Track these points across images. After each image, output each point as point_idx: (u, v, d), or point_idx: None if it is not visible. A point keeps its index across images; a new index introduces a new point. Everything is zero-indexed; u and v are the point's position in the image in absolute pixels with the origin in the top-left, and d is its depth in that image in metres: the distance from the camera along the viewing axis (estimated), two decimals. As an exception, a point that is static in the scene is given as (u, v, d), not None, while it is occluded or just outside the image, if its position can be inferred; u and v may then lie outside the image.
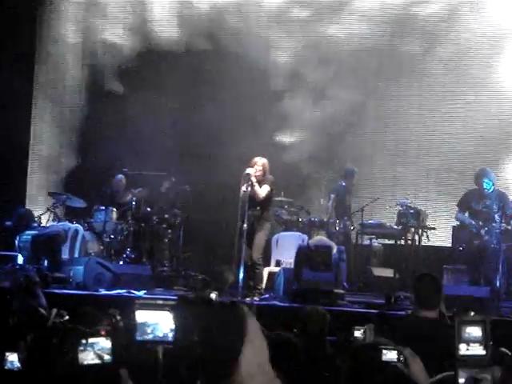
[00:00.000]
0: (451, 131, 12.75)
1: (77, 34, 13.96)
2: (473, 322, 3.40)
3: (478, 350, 3.37)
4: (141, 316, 3.01)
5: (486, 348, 3.37)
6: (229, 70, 12.90)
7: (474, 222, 10.49)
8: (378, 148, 12.91)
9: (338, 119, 12.88)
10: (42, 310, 4.96)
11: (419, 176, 12.77)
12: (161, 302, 3.10)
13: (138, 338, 2.99)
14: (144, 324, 3.00)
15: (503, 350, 4.58)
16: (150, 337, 3.00)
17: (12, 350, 2.97)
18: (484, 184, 10.46)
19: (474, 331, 3.38)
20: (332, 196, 11.89)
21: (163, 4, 13.60)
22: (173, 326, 3.00)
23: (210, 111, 12.68)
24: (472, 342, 3.38)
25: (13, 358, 2.93)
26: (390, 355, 3.65)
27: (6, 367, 2.95)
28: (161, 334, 3.00)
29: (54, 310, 4.75)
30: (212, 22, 13.34)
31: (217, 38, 13.29)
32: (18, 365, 2.93)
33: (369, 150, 12.90)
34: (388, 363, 3.69)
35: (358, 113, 12.91)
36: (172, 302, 3.12)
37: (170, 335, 3.01)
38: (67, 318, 4.85)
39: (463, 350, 3.39)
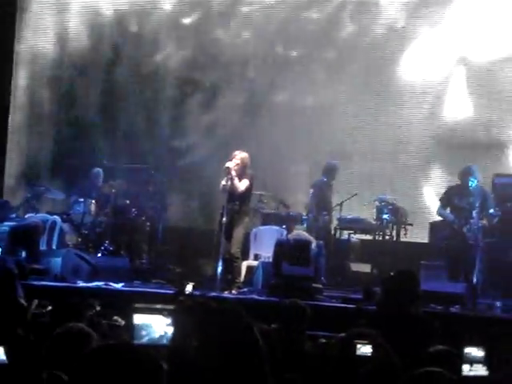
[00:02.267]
0: (430, 127, 12.80)
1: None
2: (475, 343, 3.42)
3: (480, 370, 3.40)
4: (137, 319, 3.01)
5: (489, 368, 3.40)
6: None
7: (456, 219, 10.54)
8: (356, 143, 12.94)
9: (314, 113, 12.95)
10: (22, 301, 4.94)
11: (397, 172, 12.81)
12: (159, 306, 3.10)
13: (135, 341, 2.98)
14: (139, 326, 3.00)
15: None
16: (146, 340, 2.99)
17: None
18: (469, 182, 10.51)
19: (475, 352, 3.40)
20: (311, 191, 11.89)
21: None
22: (167, 329, 2.99)
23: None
24: (475, 363, 3.40)
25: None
26: (364, 349, 3.67)
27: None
28: (156, 336, 3.00)
29: (35, 301, 4.73)
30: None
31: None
32: (4, 358, 2.91)
33: (347, 146, 12.93)
34: (362, 357, 3.71)
35: (336, 107, 12.96)
36: (170, 307, 3.11)
37: (165, 339, 3.00)
38: (50, 308, 4.83)
39: (466, 370, 3.42)
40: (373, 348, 3.66)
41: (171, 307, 3.15)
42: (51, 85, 14.00)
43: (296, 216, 11.76)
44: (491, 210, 10.46)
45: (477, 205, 10.32)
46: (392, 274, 6.06)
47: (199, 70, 13.21)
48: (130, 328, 3.05)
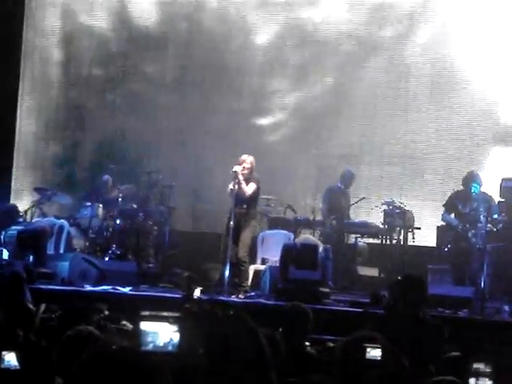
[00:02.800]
0: (437, 131, 12.78)
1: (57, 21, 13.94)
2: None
3: None
4: (144, 325, 3.00)
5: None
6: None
7: (460, 224, 10.54)
8: (364, 147, 12.93)
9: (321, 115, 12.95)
10: (30, 306, 4.94)
11: (405, 176, 12.79)
12: (165, 313, 3.09)
13: (142, 348, 2.98)
14: (145, 333, 3.00)
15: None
16: (151, 347, 2.99)
17: (8, 349, 2.95)
18: (472, 188, 10.53)
19: (482, 366, 3.39)
20: (322, 196, 11.87)
21: None
22: (173, 336, 2.99)
23: (199, 106, 12.74)
24: (481, 377, 3.40)
25: (10, 358, 2.90)
26: (373, 353, 3.66)
27: (2, 366, 2.92)
28: (161, 344, 3.00)
29: (43, 306, 4.73)
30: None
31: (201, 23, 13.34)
32: (16, 363, 2.91)
33: (355, 150, 12.91)
34: (372, 361, 3.70)
35: (344, 112, 12.95)
36: (176, 314, 3.11)
37: (170, 346, 3.00)
38: (59, 313, 4.82)
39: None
40: (382, 351, 3.65)
41: (177, 314, 3.15)
42: (60, 88, 14.01)
43: (303, 220, 11.74)
44: (495, 216, 10.46)
45: (481, 209, 10.31)
46: (400, 278, 6.04)
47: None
48: (137, 335, 3.04)
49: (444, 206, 10.99)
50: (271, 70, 13.13)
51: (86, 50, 13.69)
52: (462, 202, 10.64)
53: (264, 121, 13.02)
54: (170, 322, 3.04)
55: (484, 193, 10.77)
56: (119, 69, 13.57)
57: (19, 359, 2.90)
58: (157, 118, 13.09)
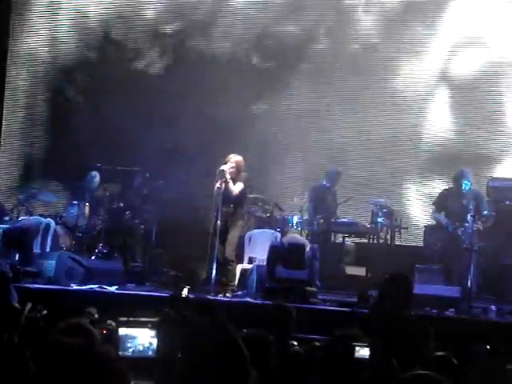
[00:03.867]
0: (426, 130, 12.80)
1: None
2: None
3: None
4: (122, 330, 2.99)
5: None
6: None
7: (450, 222, 10.55)
8: (352, 146, 12.93)
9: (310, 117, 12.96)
10: (16, 305, 4.91)
11: (393, 175, 12.81)
12: (144, 319, 3.08)
13: (120, 352, 2.97)
14: (124, 338, 2.98)
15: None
16: (130, 351, 2.97)
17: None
18: (463, 185, 10.54)
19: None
20: (308, 194, 11.88)
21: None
22: (152, 341, 2.98)
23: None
24: None
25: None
26: (362, 352, 3.66)
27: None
28: (141, 348, 2.99)
29: (29, 305, 4.70)
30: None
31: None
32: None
33: (343, 150, 12.92)
34: (360, 360, 3.70)
35: (331, 110, 12.96)
36: (154, 320, 3.09)
37: (150, 351, 2.98)
38: (45, 312, 4.79)
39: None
40: (371, 351, 3.64)
41: (156, 320, 3.14)
42: (45, 87, 13.97)
43: (290, 219, 11.73)
44: (485, 212, 10.48)
45: (470, 207, 10.33)
46: (386, 277, 6.04)
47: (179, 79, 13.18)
48: (115, 339, 3.03)
49: (434, 203, 11.01)
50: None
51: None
52: (451, 199, 10.66)
53: (253, 121, 13.01)
54: (149, 328, 3.02)
55: (474, 189, 10.79)
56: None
57: None
58: (145, 115, 13.05)
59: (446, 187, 11.09)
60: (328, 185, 11.94)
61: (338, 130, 12.97)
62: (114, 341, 3.00)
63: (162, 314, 3.11)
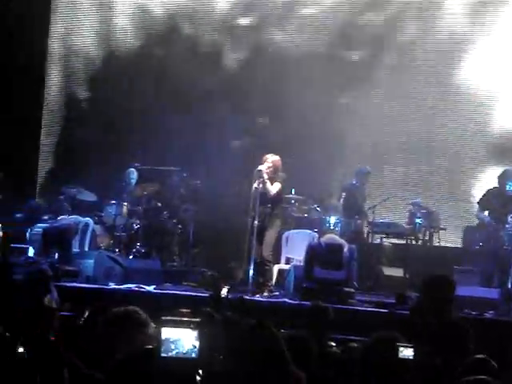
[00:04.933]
0: (462, 131, 12.69)
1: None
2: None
3: None
4: (165, 332, 2.99)
5: None
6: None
7: (492, 222, 10.44)
8: (389, 147, 12.85)
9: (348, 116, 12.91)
10: (53, 303, 4.95)
11: (431, 176, 12.71)
12: (186, 319, 3.07)
13: (163, 354, 2.97)
14: (167, 340, 2.98)
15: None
16: (174, 353, 2.97)
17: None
18: (507, 186, 10.42)
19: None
20: (342, 195, 11.85)
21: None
22: (196, 343, 2.98)
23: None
24: None
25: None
26: (406, 352, 3.65)
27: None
28: (184, 350, 2.98)
29: (67, 305, 4.73)
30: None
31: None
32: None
33: (380, 150, 12.84)
34: (404, 360, 3.69)
35: (369, 112, 12.89)
36: (197, 320, 3.09)
37: (194, 352, 2.98)
38: (87, 314, 4.82)
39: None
40: (415, 351, 3.62)
41: (198, 320, 3.13)
42: (86, 84, 14.07)
43: (327, 220, 11.68)
44: None
45: None
46: (428, 278, 5.97)
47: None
48: (159, 342, 3.04)
49: (478, 202, 10.89)
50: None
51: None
52: (496, 199, 10.54)
53: (289, 121, 12.98)
54: (192, 328, 3.02)
55: None
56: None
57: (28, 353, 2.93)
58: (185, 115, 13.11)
59: (492, 186, 10.96)
60: (357, 184, 11.89)
61: (377, 128, 12.89)
62: (157, 342, 3.00)
63: (205, 315, 3.11)
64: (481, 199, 10.85)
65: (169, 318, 3.05)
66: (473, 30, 12.71)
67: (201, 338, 2.95)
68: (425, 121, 12.80)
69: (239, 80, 13.24)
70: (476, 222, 11.07)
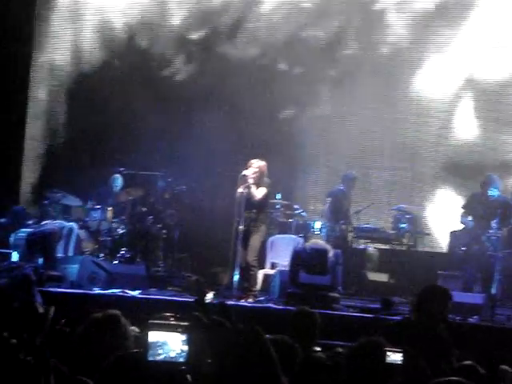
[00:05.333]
0: (447, 137, 12.73)
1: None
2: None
3: None
4: (153, 336, 2.97)
5: None
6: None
7: (475, 227, 10.48)
8: (374, 152, 12.88)
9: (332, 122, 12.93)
10: (41, 309, 4.92)
11: (415, 181, 12.74)
12: (174, 322, 3.06)
13: (150, 358, 2.95)
14: (155, 344, 2.96)
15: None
16: (162, 357, 2.95)
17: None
18: (489, 191, 10.48)
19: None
20: (328, 200, 11.85)
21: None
22: (184, 347, 2.96)
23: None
24: None
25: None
26: (394, 357, 3.64)
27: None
28: (172, 355, 2.96)
29: (52, 308, 4.71)
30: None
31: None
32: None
33: (366, 155, 12.86)
34: (392, 365, 3.68)
35: (354, 117, 12.91)
36: (185, 323, 3.07)
37: (182, 357, 2.96)
38: (63, 321, 4.81)
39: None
40: (403, 356, 3.62)
41: (186, 323, 3.12)
42: (68, 95, 14.04)
43: (312, 225, 11.69)
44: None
45: (498, 214, 10.26)
46: (425, 288, 5.96)
47: (206, 85, 13.19)
48: (145, 345, 3.02)
49: (462, 207, 10.93)
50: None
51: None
52: (479, 204, 10.59)
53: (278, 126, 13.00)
54: (180, 332, 3.00)
55: (501, 196, 10.71)
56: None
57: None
58: (169, 120, 13.09)
59: (476, 191, 11.01)
60: (344, 189, 11.91)
61: (360, 134, 12.91)
62: (143, 345, 2.99)
63: (193, 319, 3.10)
64: (464, 204, 10.90)
65: (156, 321, 3.04)
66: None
67: (189, 342, 2.94)
68: (410, 126, 12.83)
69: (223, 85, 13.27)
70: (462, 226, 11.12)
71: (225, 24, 13.48)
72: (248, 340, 2.99)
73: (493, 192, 10.51)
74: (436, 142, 12.74)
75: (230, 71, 13.04)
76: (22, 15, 13.74)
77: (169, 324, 3.01)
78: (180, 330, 2.97)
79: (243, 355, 2.95)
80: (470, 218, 10.71)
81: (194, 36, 13.58)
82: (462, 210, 10.89)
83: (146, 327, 3.02)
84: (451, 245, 11.16)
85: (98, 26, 13.90)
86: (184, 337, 2.96)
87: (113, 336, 3.80)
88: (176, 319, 3.16)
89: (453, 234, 11.26)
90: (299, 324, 5.69)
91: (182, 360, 2.93)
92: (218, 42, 13.43)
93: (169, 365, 2.92)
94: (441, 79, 12.73)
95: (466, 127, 12.66)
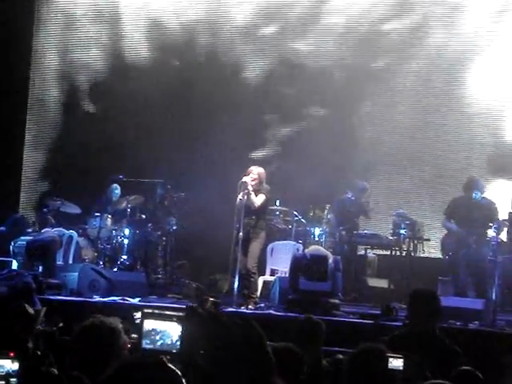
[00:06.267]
0: (444, 142, 12.74)
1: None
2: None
3: None
4: (149, 324, 2.99)
5: None
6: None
7: (461, 230, 10.48)
8: (375, 158, 12.88)
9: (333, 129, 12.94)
10: (30, 310, 4.93)
11: (414, 187, 12.75)
12: (169, 312, 3.08)
13: (147, 346, 2.97)
14: (152, 331, 2.98)
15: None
16: (159, 344, 2.98)
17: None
18: (473, 194, 10.50)
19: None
20: (333, 206, 11.82)
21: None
22: (178, 337, 2.98)
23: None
24: None
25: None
26: (395, 363, 3.65)
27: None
28: (169, 342, 2.99)
29: (43, 310, 4.73)
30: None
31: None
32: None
33: (366, 161, 12.86)
34: (392, 371, 3.69)
35: (351, 125, 12.92)
36: (180, 314, 3.09)
37: (175, 346, 2.98)
38: (61, 325, 4.82)
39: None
40: (405, 362, 3.62)
41: (181, 314, 3.14)
42: (68, 99, 14.05)
43: (312, 231, 11.69)
44: (497, 222, 10.37)
45: (483, 217, 10.28)
46: (411, 293, 5.98)
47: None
48: (140, 333, 3.04)
49: (444, 213, 10.95)
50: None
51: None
52: (462, 208, 10.60)
53: (281, 129, 13.02)
54: (175, 322, 3.02)
55: (486, 199, 10.72)
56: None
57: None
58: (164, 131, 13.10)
59: (458, 196, 11.03)
60: (353, 198, 11.87)
61: (359, 139, 12.92)
62: (138, 332, 3.01)
63: (187, 309, 3.12)
64: (447, 209, 10.89)
65: (150, 311, 3.06)
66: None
67: (183, 332, 2.96)
68: (409, 133, 12.84)
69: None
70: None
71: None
72: (242, 332, 3.00)
73: (476, 195, 10.52)
74: (434, 149, 12.75)
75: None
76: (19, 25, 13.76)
77: (164, 314, 3.04)
78: (175, 319, 2.99)
79: (236, 347, 2.96)
80: (452, 222, 10.70)
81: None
82: (445, 215, 10.90)
83: (142, 316, 3.04)
84: (442, 251, 11.15)
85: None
86: (180, 327, 2.99)
87: (108, 346, 3.80)
88: (172, 310, 3.20)
89: (443, 239, 11.24)
90: (306, 332, 5.69)
91: (175, 350, 2.96)
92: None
93: (162, 353, 2.94)
94: (438, 85, 12.77)
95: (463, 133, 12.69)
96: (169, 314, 3.04)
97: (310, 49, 13.21)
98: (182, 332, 2.98)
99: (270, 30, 13.38)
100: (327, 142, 12.65)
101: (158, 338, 2.98)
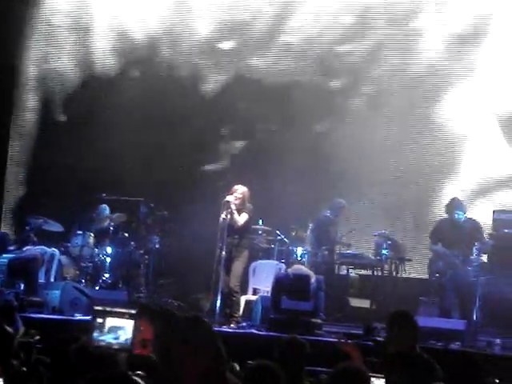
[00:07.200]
0: (427, 162, 12.81)
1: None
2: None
3: None
4: (110, 321, 3.02)
5: None
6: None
7: (448, 252, 10.52)
8: (357, 179, 12.90)
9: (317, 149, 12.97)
10: (9, 329, 4.92)
11: (397, 207, 12.78)
12: (120, 310, 3.11)
13: (95, 340, 3.00)
14: (114, 328, 3.01)
15: None
16: (115, 341, 3.00)
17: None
18: (455, 215, 10.55)
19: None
20: (311, 225, 11.85)
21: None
22: (130, 333, 3.00)
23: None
24: None
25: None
26: (377, 383, 3.68)
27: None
28: (124, 338, 3.01)
29: (22, 329, 4.74)
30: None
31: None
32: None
33: (348, 182, 12.88)
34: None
35: (332, 144, 12.96)
36: (133, 311, 3.12)
37: (126, 341, 3.01)
38: (37, 338, 4.83)
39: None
40: (386, 381, 3.65)
41: (133, 312, 3.16)
42: (52, 118, 14.05)
43: (294, 251, 11.69)
44: (483, 241, 10.42)
45: (466, 237, 10.33)
46: (389, 314, 6.00)
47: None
48: (91, 328, 3.07)
49: (430, 236, 10.99)
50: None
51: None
52: (446, 230, 10.64)
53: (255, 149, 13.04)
54: (126, 318, 3.05)
55: (470, 219, 10.77)
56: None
57: None
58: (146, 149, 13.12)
59: (442, 218, 11.08)
60: (331, 216, 11.93)
61: (341, 160, 12.94)
62: (92, 328, 3.04)
63: (139, 306, 3.15)
64: (432, 232, 10.92)
65: (101, 308, 3.09)
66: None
67: (134, 328, 2.98)
68: (392, 153, 12.90)
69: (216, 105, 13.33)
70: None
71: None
72: (189, 325, 3.02)
73: (459, 215, 10.57)
74: (417, 170, 12.81)
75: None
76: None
77: (116, 311, 3.06)
78: (127, 316, 3.01)
79: (185, 341, 2.98)
80: (439, 244, 10.75)
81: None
82: (430, 239, 10.93)
83: (93, 314, 3.07)
84: (428, 271, 11.18)
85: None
86: (131, 323, 3.01)
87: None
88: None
89: (431, 260, 11.29)
90: (289, 352, 5.70)
91: (126, 346, 2.99)
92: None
93: (110, 349, 2.97)
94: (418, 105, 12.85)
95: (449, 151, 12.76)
96: (120, 312, 3.07)
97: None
98: (133, 328, 3.01)
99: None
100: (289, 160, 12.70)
101: (119, 332, 3.01)
